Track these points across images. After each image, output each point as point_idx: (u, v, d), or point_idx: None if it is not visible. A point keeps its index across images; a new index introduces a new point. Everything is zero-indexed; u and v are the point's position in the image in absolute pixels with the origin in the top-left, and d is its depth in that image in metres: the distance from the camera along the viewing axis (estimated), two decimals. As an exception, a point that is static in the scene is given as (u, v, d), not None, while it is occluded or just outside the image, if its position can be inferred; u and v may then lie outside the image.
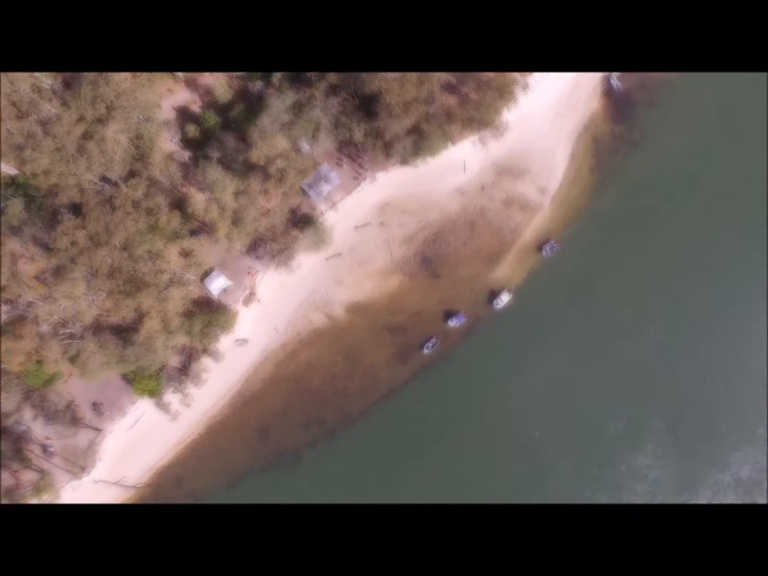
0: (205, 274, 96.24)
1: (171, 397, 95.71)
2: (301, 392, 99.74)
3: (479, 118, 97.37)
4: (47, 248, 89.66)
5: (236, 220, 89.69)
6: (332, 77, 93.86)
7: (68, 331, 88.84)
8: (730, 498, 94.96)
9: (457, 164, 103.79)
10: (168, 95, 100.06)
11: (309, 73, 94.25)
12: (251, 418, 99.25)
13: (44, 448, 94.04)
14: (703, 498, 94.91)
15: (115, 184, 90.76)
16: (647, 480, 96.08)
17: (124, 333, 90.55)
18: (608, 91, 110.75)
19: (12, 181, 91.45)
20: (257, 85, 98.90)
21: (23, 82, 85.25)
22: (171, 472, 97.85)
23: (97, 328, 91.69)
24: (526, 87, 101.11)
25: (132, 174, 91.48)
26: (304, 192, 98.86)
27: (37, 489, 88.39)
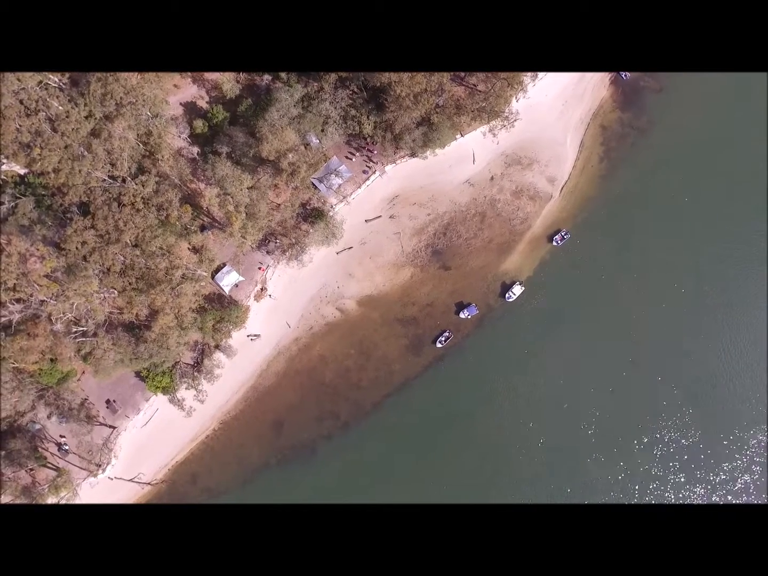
0: (216, 270, 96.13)
1: (185, 394, 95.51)
2: (315, 386, 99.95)
3: (488, 109, 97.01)
4: (58, 247, 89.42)
5: (249, 215, 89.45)
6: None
7: (81, 329, 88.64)
8: (730, 498, 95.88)
9: (466, 156, 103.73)
10: (175, 91, 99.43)
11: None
12: (265, 412, 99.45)
13: (59, 446, 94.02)
14: (703, 498, 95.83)
15: (123, 181, 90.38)
16: (649, 479, 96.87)
17: (137, 330, 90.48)
18: (615, 79, 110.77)
19: (21, 180, 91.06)
20: (264, 79, 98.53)
21: (30, 79, 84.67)
22: (186, 469, 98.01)
23: (110, 325, 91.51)
24: (534, 76, 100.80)
25: (141, 171, 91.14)
26: (314, 186, 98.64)
27: (55, 487, 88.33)
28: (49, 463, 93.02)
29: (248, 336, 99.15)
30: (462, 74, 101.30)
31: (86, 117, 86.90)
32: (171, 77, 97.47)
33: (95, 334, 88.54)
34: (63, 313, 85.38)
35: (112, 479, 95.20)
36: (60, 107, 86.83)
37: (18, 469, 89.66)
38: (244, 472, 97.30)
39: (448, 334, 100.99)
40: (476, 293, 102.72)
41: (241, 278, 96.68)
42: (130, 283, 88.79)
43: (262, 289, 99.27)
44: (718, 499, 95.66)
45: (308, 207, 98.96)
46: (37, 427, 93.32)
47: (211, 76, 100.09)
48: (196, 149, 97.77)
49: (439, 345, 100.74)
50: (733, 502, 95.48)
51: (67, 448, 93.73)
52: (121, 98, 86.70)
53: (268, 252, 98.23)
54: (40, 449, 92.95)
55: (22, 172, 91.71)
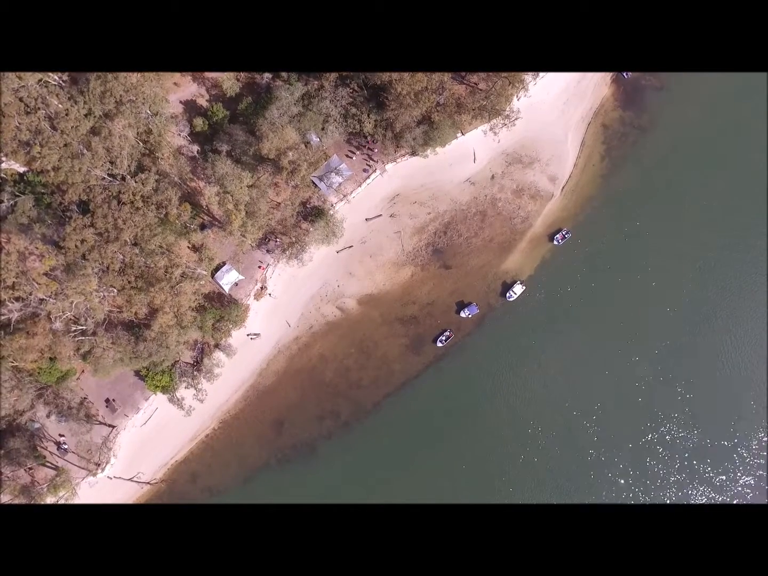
0: (216, 269, 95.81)
1: (184, 393, 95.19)
2: (315, 385, 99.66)
3: (489, 107, 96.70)
4: (57, 246, 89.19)
5: (249, 214, 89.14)
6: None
7: (80, 327, 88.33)
8: (730, 498, 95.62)
9: (467, 154, 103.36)
10: (175, 89, 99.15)
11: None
12: (265, 411, 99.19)
13: (58, 445, 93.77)
14: (704, 497, 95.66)
15: (123, 179, 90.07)
16: (650, 478, 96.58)
17: (137, 329, 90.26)
18: (617, 78, 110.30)
19: (21, 178, 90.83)
20: (265, 77, 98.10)
21: (31, 77, 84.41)
22: (186, 468, 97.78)
23: (109, 324, 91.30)
24: (535, 75, 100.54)
25: (141, 169, 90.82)
26: (314, 184, 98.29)
27: (54, 486, 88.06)
28: (48, 462, 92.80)
29: (248, 335, 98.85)
30: (463, 72, 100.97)
31: (86, 115, 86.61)
32: (171, 75, 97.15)
33: (94, 333, 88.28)
34: (62, 312, 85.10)
35: (111, 478, 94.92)
36: (60, 105, 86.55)
37: (17, 468, 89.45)
38: (244, 472, 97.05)
39: (448, 333, 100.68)
40: (477, 292, 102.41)
41: (241, 277, 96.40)
42: (129, 282, 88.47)
43: (262, 287, 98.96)
44: (718, 499, 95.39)
45: (308, 205, 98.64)
46: (36, 426, 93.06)
47: (211, 74, 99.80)
48: (196, 147, 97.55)
49: (439, 344, 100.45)
50: (733, 502, 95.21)
51: (66, 447, 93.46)
52: (120, 96, 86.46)
53: (268, 251, 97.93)
54: (39, 448, 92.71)
55: (21, 170, 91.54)
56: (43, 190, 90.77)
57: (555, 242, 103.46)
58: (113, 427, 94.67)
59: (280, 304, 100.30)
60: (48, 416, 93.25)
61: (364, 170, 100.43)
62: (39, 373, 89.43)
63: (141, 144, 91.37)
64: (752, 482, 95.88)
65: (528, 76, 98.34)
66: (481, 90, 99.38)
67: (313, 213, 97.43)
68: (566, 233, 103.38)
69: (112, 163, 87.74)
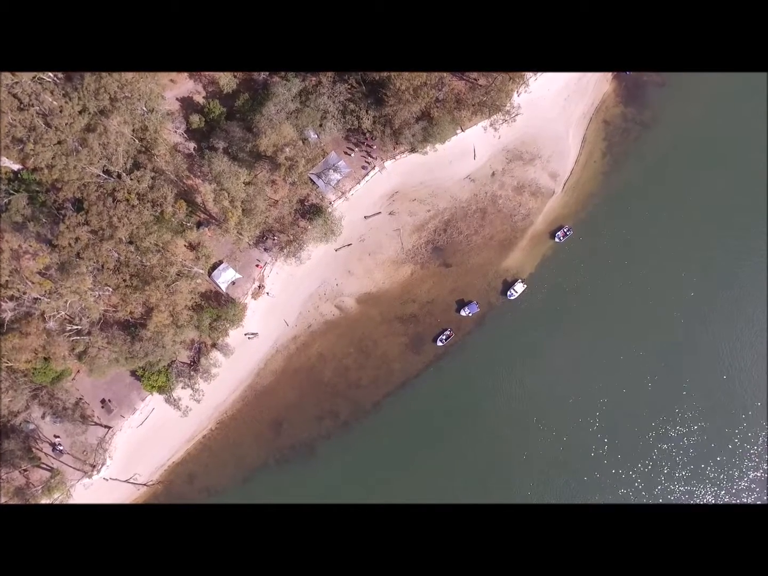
0: (213, 268, 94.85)
1: (181, 393, 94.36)
2: (314, 384, 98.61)
3: (489, 103, 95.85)
4: (51, 244, 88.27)
5: (246, 211, 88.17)
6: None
7: (75, 327, 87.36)
8: (731, 498, 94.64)
9: (467, 151, 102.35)
10: (171, 86, 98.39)
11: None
12: (263, 411, 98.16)
13: (53, 446, 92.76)
14: (704, 497, 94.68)
15: (119, 177, 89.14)
16: (651, 477, 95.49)
17: (132, 329, 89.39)
18: (618, 74, 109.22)
19: (15, 176, 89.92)
20: (262, 73, 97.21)
21: (25, 73, 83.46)
22: (183, 469, 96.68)
23: (105, 323, 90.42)
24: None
25: (136, 166, 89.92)
26: (312, 182, 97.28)
27: (48, 488, 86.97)
28: (43, 463, 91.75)
29: (246, 334, 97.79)
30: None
31: (80, 112, 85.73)
32: (167, 72, 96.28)
33: (89, 333, 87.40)
34: (56, 311, 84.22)
35: (107, 480, 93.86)
36: (54, 102, 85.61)
37: (11, 469, 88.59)
38: (243, 472, 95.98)
39: (449, 332, 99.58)
40: (477, 291, 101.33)
41: (239, 275, 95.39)
42: (124, 280, 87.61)
43: (259, 286, 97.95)
44: (718, 499, 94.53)
45: (306, 203, 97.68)
46: (31, 427, 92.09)
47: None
48: (192, 144, 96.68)
49: (439, 343, 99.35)
50: (734, 502, 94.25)
51: (61, 448, 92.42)
52: (115, 93, 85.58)
53: (265, 249, 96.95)
54: (34, 450, 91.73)
55: (15, 168, 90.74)
56: (37, 188, 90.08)
57: (556, 240, 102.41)
58: (109, 428, 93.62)
59: (278, 303, 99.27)
60: (43, 417, 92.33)
61: (363, 167, 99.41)
62: (33, 373, 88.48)
63: (137, 141, 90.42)
64: (752, 482, 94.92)
65: (528, 72, 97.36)
66: (480, 86, 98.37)
67: (311, 210, 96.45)
68: (567, 230, 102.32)
69: (108, 159, 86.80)
